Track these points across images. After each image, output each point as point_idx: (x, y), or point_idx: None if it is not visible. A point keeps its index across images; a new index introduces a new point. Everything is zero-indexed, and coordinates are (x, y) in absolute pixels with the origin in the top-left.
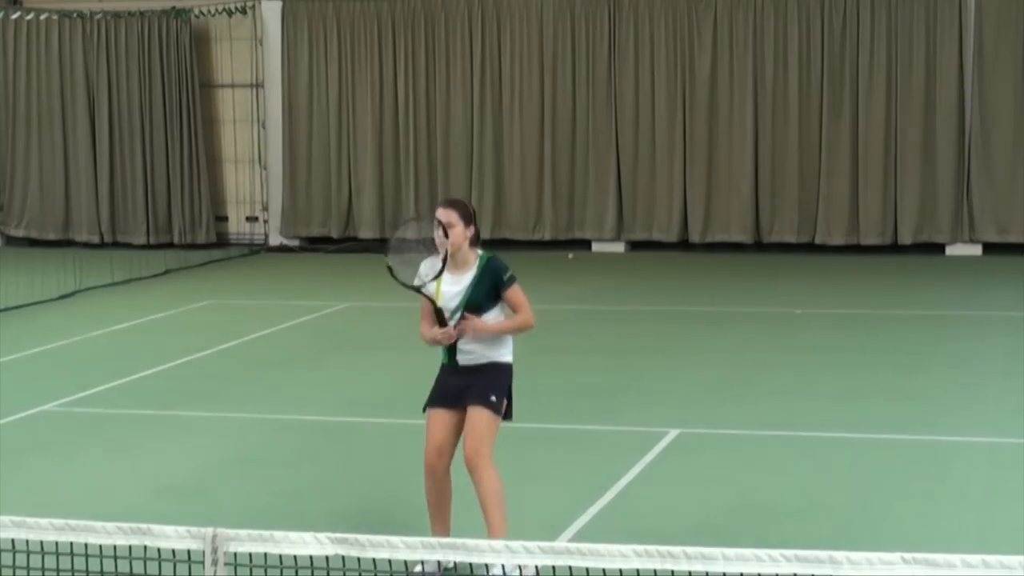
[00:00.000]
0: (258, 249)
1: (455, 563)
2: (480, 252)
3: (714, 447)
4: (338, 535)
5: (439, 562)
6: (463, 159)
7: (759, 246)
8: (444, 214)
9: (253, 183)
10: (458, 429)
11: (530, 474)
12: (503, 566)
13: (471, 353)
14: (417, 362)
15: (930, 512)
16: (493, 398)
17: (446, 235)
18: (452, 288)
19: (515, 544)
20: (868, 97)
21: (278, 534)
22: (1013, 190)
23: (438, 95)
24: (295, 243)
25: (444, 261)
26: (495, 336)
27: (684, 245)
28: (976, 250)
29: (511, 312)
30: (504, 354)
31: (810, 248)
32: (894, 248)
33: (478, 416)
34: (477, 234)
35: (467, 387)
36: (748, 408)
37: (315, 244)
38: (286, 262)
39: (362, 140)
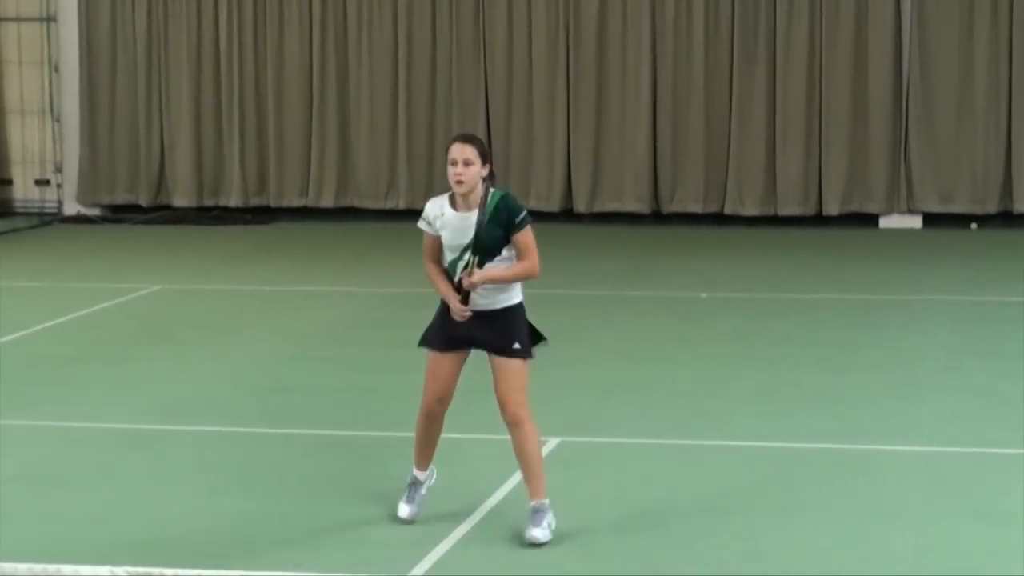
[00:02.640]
0: (50, 219)
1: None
2: (492, 190)
3: (600, 459)
4: (140, 570)
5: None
6: (300, 110)
7: (657, 217)
8: (460, 150)
9: (44, 139)
10: (459, 371)
11: (377, 494)
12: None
13: (484, 299)
14: (245, 356)
15: (859, 534)
16: (518, 344)
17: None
18: (460, 225)
19: None
20: (787, 38)
21: (67, 569)
22: (958, 152)
23: (269, 31)
24: (95, 212)
25: (452, 202)
26: (504, 284)
27: (567, 216)
28: (915, 222)
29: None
30: (515, 295)
31: (718, 219)
32: (818, 219)
33: (511, 367)
34: (492, 173)
35: (481, 334)
36: (642, 412)
37: (120, 213)
38: (84, 235)
39: (176, 86)
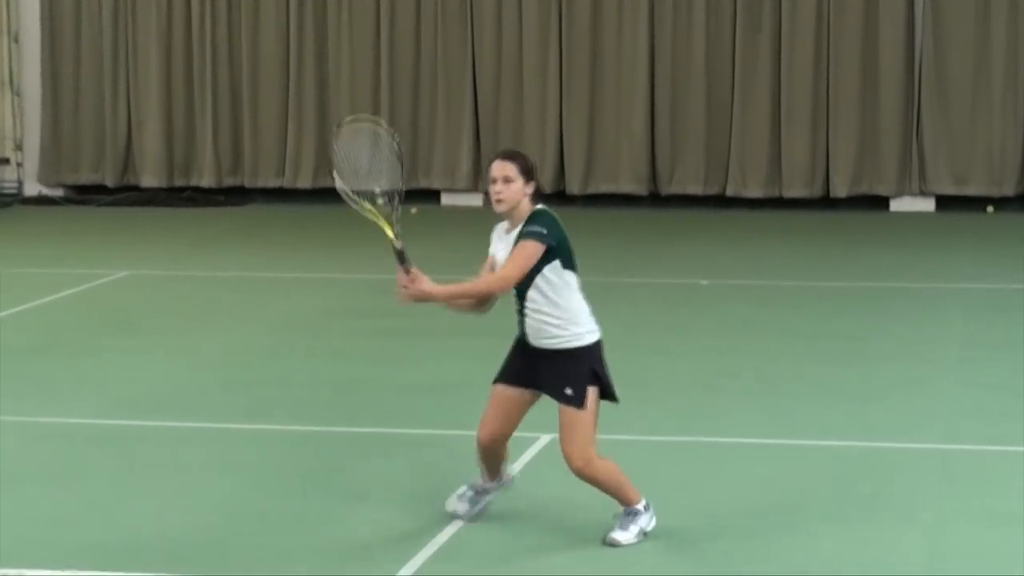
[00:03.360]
0: (9, 200)
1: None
2: (538, 207)
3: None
4: (107, 575)
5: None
6: (276, 84)
7: (655, 199)
8: (500, 168)
9: (3, 114)
10: (523, 409)
11: (362, 493)
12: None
13: (536, 330)
14: (220, 347)
15: (869, 537)
16: (569, 391)
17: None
18: (500, 247)
19: None
20: (793, 8)
21: (29, 573)
22: (974, 130)
23: None
24: (58, 192)
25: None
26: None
27: (560, 197)
28: (928, 205)
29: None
30: (575, 336)
31: (720, 202)
32: (825, 202)
33: (565, 416)
34: (539, 190)
35: (538, 371)
36: (638, 407)
37: (84, 194)
38: (46, 217)
39: (144, 59)
